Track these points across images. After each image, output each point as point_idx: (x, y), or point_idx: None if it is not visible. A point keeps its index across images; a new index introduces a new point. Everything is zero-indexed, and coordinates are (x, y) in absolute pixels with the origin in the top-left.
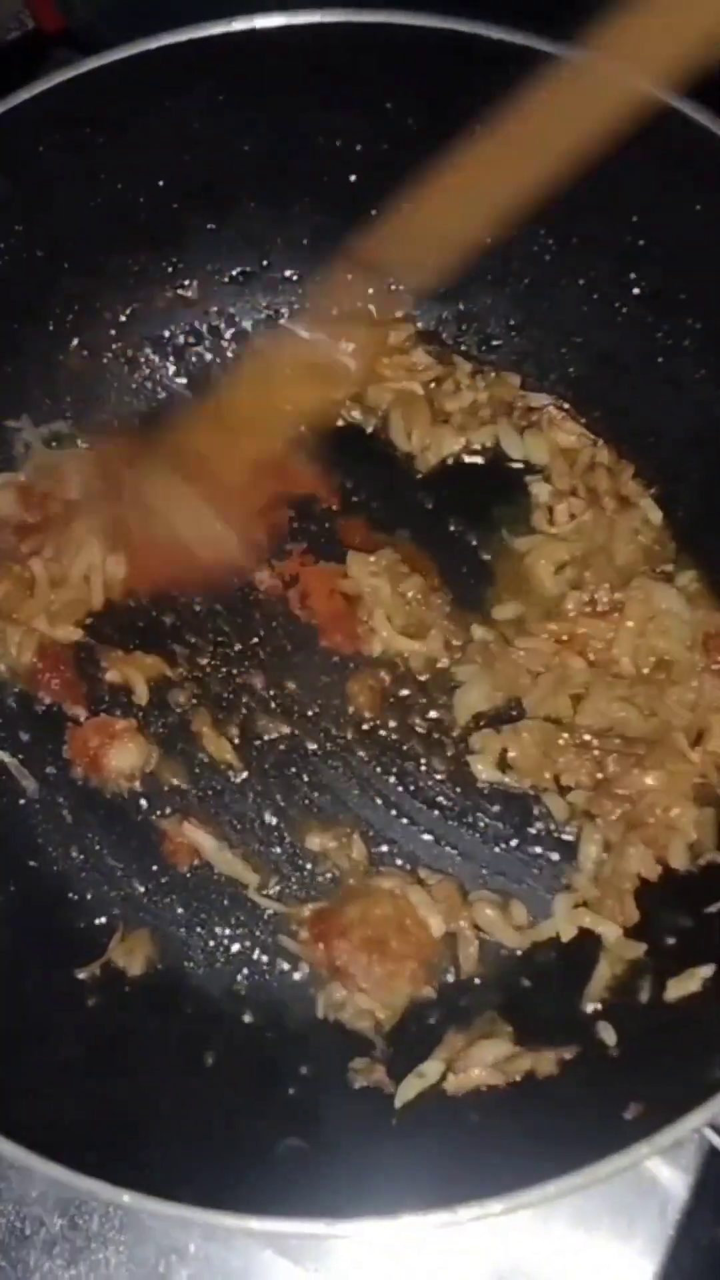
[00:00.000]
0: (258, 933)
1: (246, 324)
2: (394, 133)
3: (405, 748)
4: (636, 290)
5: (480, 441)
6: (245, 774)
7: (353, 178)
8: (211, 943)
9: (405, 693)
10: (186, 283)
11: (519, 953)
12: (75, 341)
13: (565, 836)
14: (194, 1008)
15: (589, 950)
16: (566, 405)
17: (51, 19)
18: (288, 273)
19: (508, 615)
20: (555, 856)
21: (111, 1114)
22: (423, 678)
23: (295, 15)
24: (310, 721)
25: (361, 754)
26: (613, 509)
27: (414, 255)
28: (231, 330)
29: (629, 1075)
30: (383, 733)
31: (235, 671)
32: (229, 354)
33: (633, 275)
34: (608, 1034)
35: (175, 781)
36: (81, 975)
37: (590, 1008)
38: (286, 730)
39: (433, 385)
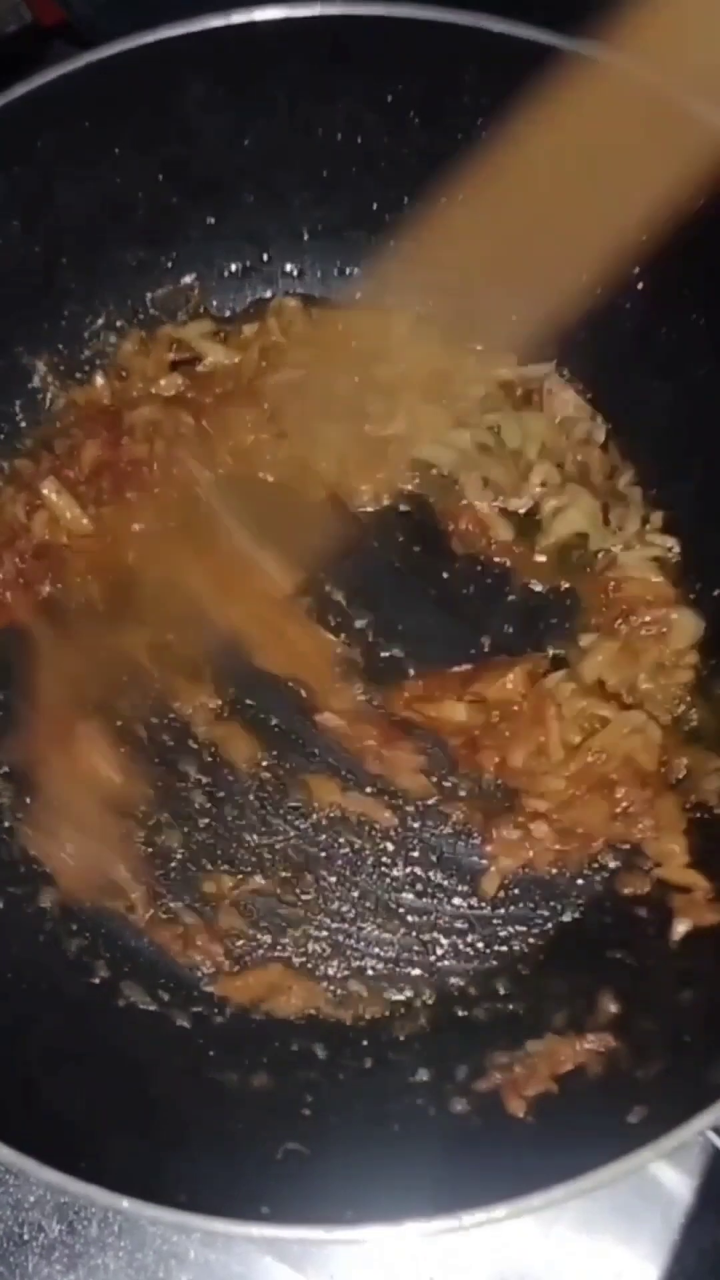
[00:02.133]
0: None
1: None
2: (394, 126)
3: None
4: (640, 285)
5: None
6: None
7: (353, 171)
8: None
9: None
10: (186, 278)
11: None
12: (72, 337)
13: None
14: (194, 1012)
15: None
16: (566, 372)
17: (50, 13)
18: (288, 267)
19: None
20: None
21: (111, 1119)
22: None
23: (295, 8)
24: None
25: None
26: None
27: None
28: (231, 325)
29: (632, 1078)
30: None
31: None
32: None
33: (636, 270)
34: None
35: None
36: (83, 980)
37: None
38: None
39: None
